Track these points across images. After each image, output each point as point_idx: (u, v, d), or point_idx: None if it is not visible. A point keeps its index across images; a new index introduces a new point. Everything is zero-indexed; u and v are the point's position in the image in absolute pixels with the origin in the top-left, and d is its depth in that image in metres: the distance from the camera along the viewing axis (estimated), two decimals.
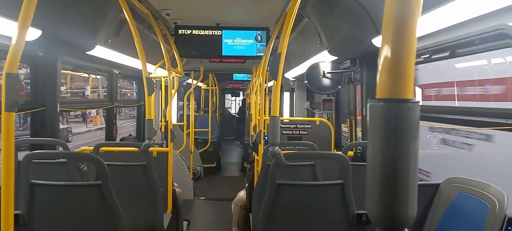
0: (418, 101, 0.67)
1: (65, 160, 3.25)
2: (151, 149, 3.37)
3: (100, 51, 3.75)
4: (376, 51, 3.37)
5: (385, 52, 0.67)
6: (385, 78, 0.66)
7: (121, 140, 5.26)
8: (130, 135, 5.80)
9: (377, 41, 3.01)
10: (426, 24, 2.28)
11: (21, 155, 2.51)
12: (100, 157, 2.42)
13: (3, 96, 1.47)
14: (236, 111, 19.14)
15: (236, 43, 4.41)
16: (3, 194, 1.51)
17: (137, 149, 3.29)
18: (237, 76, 11.09)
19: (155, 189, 3.21)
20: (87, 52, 3.63)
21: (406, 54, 0.66)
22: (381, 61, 0.67)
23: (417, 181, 0.68)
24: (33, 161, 2.38)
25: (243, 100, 17.02)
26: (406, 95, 0.66)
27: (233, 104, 22.96)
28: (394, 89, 0.66)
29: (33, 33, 2.68)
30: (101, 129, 25.23)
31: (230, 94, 21.17)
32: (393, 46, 0.66)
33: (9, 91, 1.46)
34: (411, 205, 0.67)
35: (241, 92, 19.81)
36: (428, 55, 2.87)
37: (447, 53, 2.70)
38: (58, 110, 3.77)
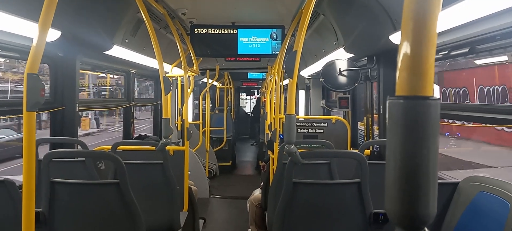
0: (439, 99, 0.66)
1: (83, 158, 3.31)
2: (167, 147, 3.40)
3: (118, 51, 3.80)
4: (393, 48, 3.33)
5: (405, 49, 0.66)
6: (404, 75, 0.66)
7: (136, 138, 5.32)
8: (145, 134, 5.86)
9: (394, 38, 2.97)
10: (444, 20, 2.24)
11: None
12: (118, 155, 2.46)
13: (24, 96, 1.50)
14: (251, 110, 19.14)
15: (251, 41, 4.42)
16: (24, 192, 1.55)
17: (154, 147, 3.32)
18: (252, 75, 11.11)
19: (171, 187, 3.24)
20: (105, 52, 3.68)
21: (426, 51, 0.65)
22: (400, 58, 0.67)
23: (437, 179, 0.67)
24: (53, 159, 2.42)
25: (258, 99, 17.01)
26: (426, 92, 0.65)
27: (247, 103, 22.97)
28: (414, 86, 0.65)
29: (53, 34, 2.73)
30: (88, 134, 21.80)
31: (244, 93, 21.17)
32: (413, 43, 0.66)
33: (30, 91, 1.49)
34: (432, 204, 0.66)
35: (255, 91, 19.80)
36: (447, 52, 2.82)
37: (467, 50, 2.65)
38: (77, 110, 3.84)
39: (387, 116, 0.68)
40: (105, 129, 24.65)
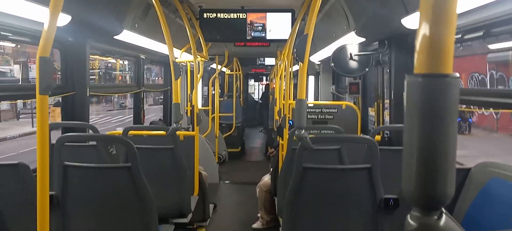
0: (458, 77, 0.64)
1: (95, 143, 3.34)
2: (178, 132, 3.41)
3: (127, 36, 3.79)
4: (405, 32, 3.27)
5: (424, 29, 0.64)
6: (423, 54, 0.64)
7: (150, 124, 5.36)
8: (160, 119, 5.90)
9: (406, 21, 2.92)
10: (458, 2, 2.18)
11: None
12: (129, 140, 2.47)
13: (37, 79, 1.51)
14: (259, 97, 19.13)
15: None
16: (39, 175, 1.56)
17: (164, 132, 3.34)
18: (261, 60, 11.06)
19: (182, 172, 3.26)
20: (114, 37, 3.68)
21: (445, 29, 0.63)
22: (419, 38, 0.65)
23: (455, 158, 0.66)
24: (65, 143, 2.45)
25: (267, 86, 16.97)
26: (446, 70, 0.63)
27: (256, 89, 22.94)
28: (433, 64, 0.63)
29: (63, 19, 2.74)
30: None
31: (253, 80, 21.14)
32: (432, 21, 0.64)
33: (42, 74, 1.50)
34: (450, 184, 0.65)
35: (264, 77, 19.74)
36: (460, 36, 2.77)
37: (481, 33, 2.60)
38: (88, 95, 3.87)
39: (404, 94, 0.67)
40: None
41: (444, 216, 0.66)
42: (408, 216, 0.67)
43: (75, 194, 2.42)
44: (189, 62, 5.87)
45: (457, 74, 0.64)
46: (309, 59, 4.99)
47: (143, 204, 2.44)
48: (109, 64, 29.03)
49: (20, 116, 22.20)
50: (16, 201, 2.29)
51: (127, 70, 29.73)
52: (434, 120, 0.63)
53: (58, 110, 19.32)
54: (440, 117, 0.63)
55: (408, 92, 0.66)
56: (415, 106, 0.65)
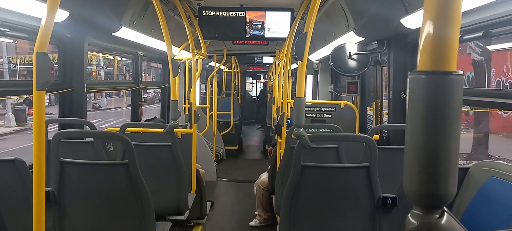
0: (462, 74, 0.63)
1: (92, 139, 3.32)
2: (175, 130, 3.40)
3: (126, 33, 3.78)
4: (404, 32, 3.27)
5: (428, 27, 0.64)
6: (427, 52, 0.63)
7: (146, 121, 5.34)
8: (155, 117, 5.89)
9: (406, 21, 2.92)
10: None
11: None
12: (126, 136, 2.46)
13: (34, 75, 1.50)
14: (257, 95, 19.13)
15: None
16: (35, 171, 1.56)
17: (162, 129, 3.33)
18: (259, 59, 11.05)
19: (179, 169, 3.25)
20: (113, 34, 3.66)
21: (450, 26, 0.63)
22: (423, 37, 0.64)
23: (458, 157, 0.65)
24: (62, 140, 2.43)
25: (265, 84, 16.97)
26: (450, 67, 0.62)
27: (253, 87, 22.89)
28: (437, 61, 0.63)
29: (61, 15, 2.72)
30: None
31: (250, 77, 21.11)
32: (436, 19, 0.63)
33: (39, 70, 1.49)
34: (452, 183, 0.64)
35: (262, 75, 19.73)
36: (460, 36, 2.76)
37: (480, 34, 2.60)
38: (86, 91, 3.85)
39: (407, 92, 0.66)
40: (27, 129, 16.14)
41: (445, 214, 0.65)
42: (409, 214, 0.67)
43: (71, 190, 2.41)
44: (187, 60, 5.85)
45: (461, 72, 0.63)
46: (307, 59, 4.99)
47: (140, 201, 2.43)
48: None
49: None
50: (12, 197, 2.28)
51: (101, 65, 28.04)
52: (437, 117, 0.63)
53: None
54: (443, 114, 0.63)
55: (410, 89, 0.65)
56: (418, 104, 0.64)
